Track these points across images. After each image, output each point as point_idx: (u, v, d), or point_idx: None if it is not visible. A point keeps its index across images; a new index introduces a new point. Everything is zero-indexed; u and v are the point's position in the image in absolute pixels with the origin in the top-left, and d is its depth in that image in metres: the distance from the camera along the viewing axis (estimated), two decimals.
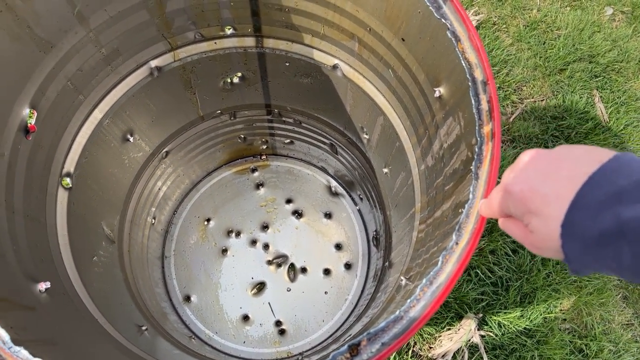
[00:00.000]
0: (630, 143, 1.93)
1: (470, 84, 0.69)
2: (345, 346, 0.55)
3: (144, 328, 1.12)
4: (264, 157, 1.86)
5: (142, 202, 1.46)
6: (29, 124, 0.85)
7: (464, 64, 0.69)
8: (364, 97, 1.17)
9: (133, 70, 1.08)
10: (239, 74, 1.30)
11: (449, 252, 0.60)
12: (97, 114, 1.06)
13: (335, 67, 1.17)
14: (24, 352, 0.54)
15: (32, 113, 0.85)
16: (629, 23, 2.10)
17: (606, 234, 0.39)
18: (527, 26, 2.08)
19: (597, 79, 2.01)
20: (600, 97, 1.99)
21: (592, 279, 1.71)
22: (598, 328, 1.65)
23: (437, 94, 0.84)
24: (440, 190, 0.87)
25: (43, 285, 0.76)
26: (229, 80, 1.32)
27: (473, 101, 0.67)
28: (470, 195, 0.62)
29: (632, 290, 1.74)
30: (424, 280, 0.59)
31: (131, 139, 1.23)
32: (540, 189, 0.43)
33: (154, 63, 1.11)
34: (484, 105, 0.67)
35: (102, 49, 0.95)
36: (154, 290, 1.52)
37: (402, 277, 0.89)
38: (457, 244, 0.60)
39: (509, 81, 2.00)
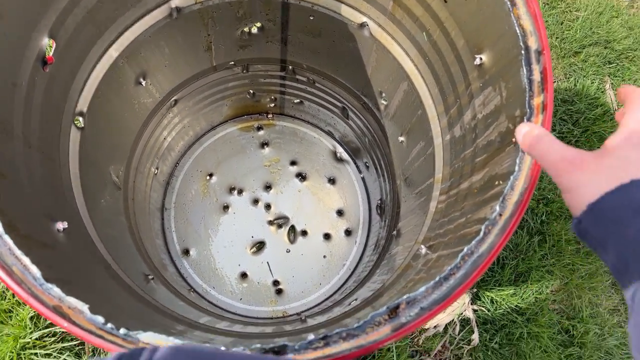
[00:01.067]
0: None
1: (523, 52, 0.66)
2: (385, 307, 0.54)
3: (150, 277, 1.11)
4: (270, 115, 1.82)
5: (147, 150, 1.42)
6: (47, 55, 0.80)
7: (518, 31, 0.67)
8: (390, 60, 1.14)
9: (153, 8, 1.02)
10: (259, 24, 1.25)
11: (491, 222, 0.59)
12: (113, 53, 1.01)
13: (362, 25, 1.12)
14: (56, 290, 0.52)
15: (52, 43, 0.80)
16: None
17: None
18: (547, 4, 2.03)
19: (611, 66, 2.00)
20: (612, 84, 1.98)
21: (584, 264, 1.75)
22: (586, 311, 1.70)
23: (477, 62, 0.81)
24: (469, 162, 0.86)
25: (61, 225, 0.74)
26: (247, 30, 1.26)
27: (525, 71, 0.65)
28: (516, 167, 0.61)
29: None
30: (464, 249, 0.58)
31: (143, 83, 1.18)
32: None
33: (174, 3, 1.05)
34: (536, 76, 0.65)
35: None
36: (154, 241, 1.50)
37: (421, 246, 0.89)
38: (500, 215, 0.59)
39: None
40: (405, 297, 0.55)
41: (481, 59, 0.81)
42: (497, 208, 0.60)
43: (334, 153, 1.80)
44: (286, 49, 1.36)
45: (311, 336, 0.54)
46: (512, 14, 0.68)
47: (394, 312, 0.54)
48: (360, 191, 1.78)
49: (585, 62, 2.00)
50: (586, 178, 0.45)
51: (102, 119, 1.06)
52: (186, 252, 1.63)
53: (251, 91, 1.62)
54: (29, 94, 0.76)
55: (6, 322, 1.51)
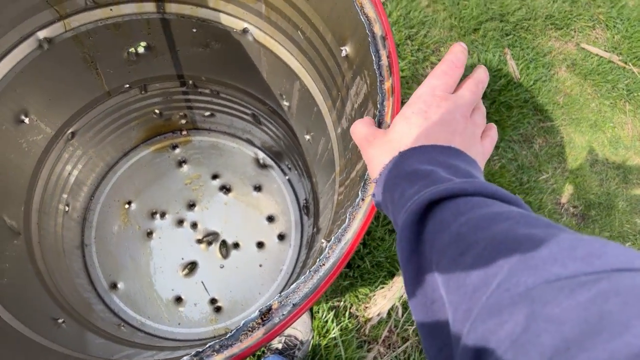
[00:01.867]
0: (539, 97, 2.05)
1: (370, 39, 0.68)
2: (257, 312, 0.54)
3: (60, 321, 1.05)
4: (184, 132, 1.78)
5: (50, 188, 1.35)
6: None
7: (363, 19, 0.68)
8: (278, 62, 1.14)
9: (17, 43, 0.97)
10: (144, 44, 1.22)
11: (355, 208, 0.60)
12: None
13: (245, 31, 1.12)
14: None
15: None
16: None
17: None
18: None
19: (508, 37, 2.10)
20: (512, 54, 2.09)
21: None
22: None
23: (343, 53, 0.83)
24: (355, 150, 0.87)
25: None
26: (133, 51, 1.23)
27: (374, 57, 0.67)
28: None
29: None
30: (332, 239, 0.59)
31: (26, 120, 1.12)
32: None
33: (42, 34, 1.00)
34: (384, 61, 0.66)
35: None
36: (74, 281, 1.43)
37: (323, 240, 0.89)
38: (363, 200, 0.60)
39: (427, 42, 2.04)
40: (277, 297, 0.55)
41: (346, 50, 0.82)
42: (360, 193, 0.61)
43: (257, 160, 1.79)
44: (180, 64, 1.33)
45: (185, 357, 0.53)
46: (355, 4, 0.69)
47: (266, 314, 0.54)
48: (289, 194, 1.78)
49: (485, 37, 2.10)
50: (375, 152, 0.49)
51: None
52: (114, 286, 1.57)
53: (157, 110, 1.58)
54: None
55: None
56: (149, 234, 1.64)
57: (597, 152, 2.07)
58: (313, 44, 0.95)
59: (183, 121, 1.70)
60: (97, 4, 1.02)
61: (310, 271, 0.56)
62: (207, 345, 0.52)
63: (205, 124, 1.75)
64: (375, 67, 0.66)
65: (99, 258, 1.60)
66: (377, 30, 0.67)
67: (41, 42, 1.02)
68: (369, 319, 1.70)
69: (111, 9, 1.05)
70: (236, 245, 1.67)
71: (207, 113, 1.66)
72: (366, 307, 1.73)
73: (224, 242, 1.67)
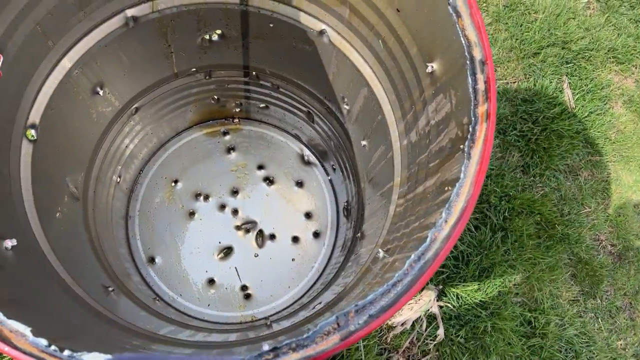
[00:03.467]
0: (592, 130, 2.01)
1: (467, 62, 0.68)
2: (334, 317, 0.56)
3: (110, 289, 1.09)
4: (236, 120, 1.81)
5: (108, 159, 1.39)
6: None
7: (463, 42, 0.69)
8: (349, 67, 1.15)
9: (107, 18, 1.00)
10: (219, 32, 1.24)
11: (438, 229, 0.61)
12: (66, 63, 0.99)
13: (322, 32, 1.13)
14: None
15: None
16: (603, 12, 2.16)
17: None
18: (507, 6, 2.09)
19: (568, 65, 2.07)
20: (569, 83, 2.05)
21: (545, 257, 1.81)
22: (547, 303, 1.76)
23: (429, 70, 0.83)
24: (424, 166, 0.88)
25: (9, 243, 0.72)
26: (207, 38, 1.26)
27: (470, 80, 0.67)
28: (462, 175, 0.63)
29: (580, 269, 1.86)
30: (412, 256, 0.60)
31: (101, 92, 1.16)
32: None
33: (130, 12, 1.04)
34: (481, 85, 0.67)
35: None
36: (117, 250, 1.48)
37: (379, 250, 0.90)
38: (446, 222, 0.61)
39: None
40: (353, 305, 0.56)
41: (432, 67, 0.83)
42: (443, 214, 0.62)
43: (302, 156, 1.81)
44: (248, 55, 1.35)
45: (265, 346, 0.54)
46: (457, 25, 0.70)
47: (343, 320, 0.56)
48: (328, 193, 1.79)
49: (544, 62, 2.07)
50: None
51: (57, 130, 1.04)
52: (152, 260, 1.61)
53: (215, 96, 1.61)
54: None
55: None
56: (191, 214, 1.67)
57: None
58: (393, 55, 0.96)
59: (237, 109, 1.73)
60: None
61: (388, 285, 0.58)
62: (284, 343, 0.54)
63: (257, 115, 1.77)
64: (470, 90, 0.67)
65: (140, 231, 1.65)
66: (477, 54, 0.68)
67: (128, 20, 1.05)
68: (393, 328, 1.70)
69: None
70: (272, 237, 1.70)
71: (262, 105, 1.68)
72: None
73: (261, 232, 1.69)
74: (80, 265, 1.04)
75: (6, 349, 0.49)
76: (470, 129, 0.65)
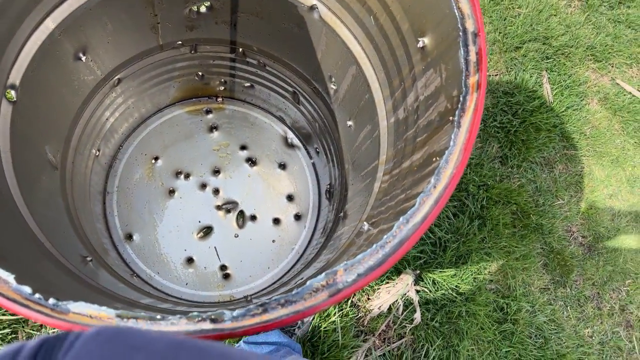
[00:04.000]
0: (568, 124, 2.07)
1: (460, 34, 0.69)
2: (323, 274, 0.56)
3: (88, 259, 1.07)
4: (219, 99, 1.79)
5: (87, 130, 1.36)
6: None
7: (457, 14, 0.70)
8: (339, 44, 1.15)
9: None
10: (207, 4, 1.22)
11: (426, 194, 0.62)
12: (49, 24, 0.96)
13: (312, 8, 1.13)
14: None
15: None
16: (583, 11, 2.22)
17: None
18: (491, 0, 2.12)
19: (548, 61, 2.12)
20: (549, 78, 2.11)
21: (519, 246, 1.86)
22: (519, 290, 1.82)
23: (420, 44, 0.84)
24: (411, 142, 0.89)
25: None
26: (195, 9, 1.24)
27: (462, 52, 0.68)
28: (451, 142, 0.64)
29: (552, 259, 1.92)
30: (400, 219, 0.61)
31: (83, 59, 1.13)
32: None
33: None
34: (472, 57, 0.68)
35: None
36: (94, 225, 1.44)
37: (364, 223, 0.91)
38: (434, 187, 0.62)
39: None
40: (342, 264, 0.57)
41: (424, 42, 0.84)
42: (432, 180, 0.63)
43: (285, 139, 1.80)
44: (236, 31, 1.34)
45: (252, 306, 0.54)
46: None
47: (331, 278, 0.56)
48: (311, 177, 1.79)
49: (525, 56, 2.11)
50: None
51: (38, 94, 1.01)
52: (129, 237, 1.59)
53: (200, 73, 1.59)
54: None
55: None
56: (171, 192, 1.65)
57: (614, 188, 2.10)
58: (384, 31, 0.97)
59: (221, 88, 1.71)
60: None
61: (377, 245, 0.58)
62: (273, 298, 0.54)
63: (241, 95, 1.76)
64: (462, 61, 0.68)
65: (118, 207, 1.62)
66: (469, 26, 0.69)
67: None
68: (370, 311, 1.73)
69: None
70: (253, 218, 1.69)
71: (247, 84, 1.67)
72: (369, 299, 1.76)
73: (241, 213, 1.68)
74: (58, 233, 1.01)
75: None
76: (461, 99, 0.66)
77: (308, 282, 0.55)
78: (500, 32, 2.09)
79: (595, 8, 2.22)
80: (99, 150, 1.49)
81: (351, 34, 1.10)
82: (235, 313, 0.53)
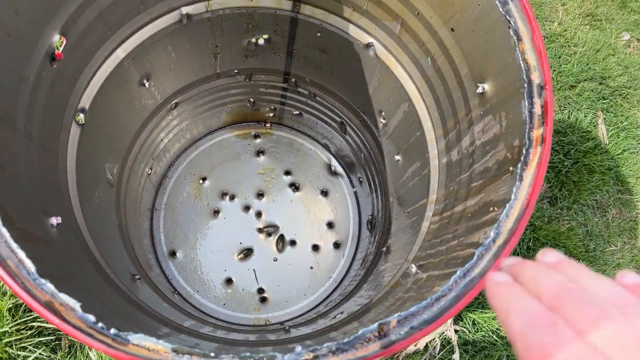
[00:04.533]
0: (624, 167, 1.98)
1: (525, 85, 0.68)
2: (376, 324, 0.55)
3: (137, 277, 1.11)
4: (268, 125, 1.83)
5: (143, 150, 1.42)
6: (56, 51, 0.80)
7: (522, 65, 0.69)
8: (392, 81, 1.16)
9: (164, 13, 1.03)
10: (266, 36, 1.27)
11: (485, 248, 0.60)
12: (120, 53, 1.01)
13: (368, 45, 1.14)
14: (49, 286, 0.52)
15: (61, 40, 0.81)
16: None
17: None
18: (547, 37, 2.09)
19: (604, 101, 2.05)
20: (604, 119, 2.03)
21: None
22: None
23: (479, 90, 0.84)
24: (465, 186, 0.88)
25: (55, 220, 0.74)
26: (253, 41, 1.28)
27: (527, 103, 0.67)
28: (513, 196, 0.63)
29: None
30: (458, 272, 0.59)
31: (146, 84, 1.19)
32: None
33: (185, 10, 1.06)
34: (537, 109, 0.67)
35: None
36: (142, 240, 1.49)
37: (412, 265, 0.90)
38: (494, 241, 0.61)
39: None
40: (396, 315, 0.56)
41: (484, 88, 0.83)
42: (492, 234, 0.61)
43: (329, 166, 1.82)
44: (291, 62, 1.37)
45: (299, 348, 0.54)
46: (517, 48, 0.70)
47: (384, 329, 0.55)
48: (352, 205, 1.79)
49: (580, 96, 2.05)
50: None
51: (103, 117, 1.06)
52: (173, 254, 1.63)
53: (252, 99, 1.63)
54: (34, 88, 0.76)
55: None
56: (216, 212, 1.69)
57: None
58: (441, 73, 0.97)
59: (271, 114, 1.75)
60: None
61: (432, 298, 0.57)
62: (325, 345, 0.54)
63: (289, 122, 1.79)
64: (526, 113, 0.67)
65: (164, 224, 1.66)
66: (535, 78, 0.68)
67: (182, 17, 1.08)
68: (406, 347, 1.68)
69: (251, 0, 1.10)
70: (293, 243, 1.70)
71: (296, 112, 1.70)
72: None
73: (282, 237, 1.70)
74: (112, 251, 1.05)
75: (56, 321, 0.50)
76: (524, 152, 0.65)
77: (360, 331, 0.55)
78: (554, 70, 2.05)
79: None
80: (151, 169, 1.55)
81: (406, 73, 1.10)
82: (286, 357, 0.53)
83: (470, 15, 0.81)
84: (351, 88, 1.36)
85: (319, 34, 1.20)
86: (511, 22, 0.71)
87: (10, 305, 1.47)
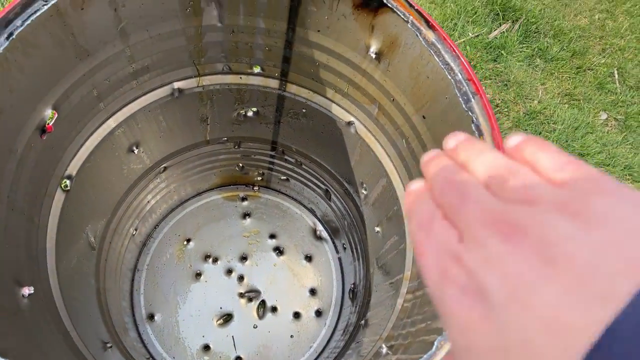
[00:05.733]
0: None
1: None
2: None
3: (108, 345, 1.09)
4: (256, 188, 1.87)
5: (129, 212, 1.44)
6: (47, 124, 0.85)
7: None
8: (372, 157, 1.21)
9: (156, 87, 1.09)
10: (255, 109, 1.33)
11: (444, 338, 0.62)
12: (111, 123, 1.06)
13: (350, 123, 1.20)
14: None
15: (53, 114, 0.85)
16: (620, 130, 2.24)
17: None
18: (527, 114, 2.18)
19: None
20: None
21: None
22: None
23: None
24: None
25: (27, 290, 0.74)
26: (242, 113, 1.34)
27: None
28: None
29: None
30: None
31: (136, 151, 1.23)
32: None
33: (177, 85, 1.13)
34: None
35: (133, 64, 0.97)
36: (120, 303, 1.48)
37: (382, 345, 0.90)
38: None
39: None
40: None
41: None
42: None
43: (314, 230, 1.83)
44: (278, 132, 1.43)
45: None
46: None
47: None
48: (336, 272, 1.79)
49: None
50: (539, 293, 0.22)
51: (89, 183, 1.09)
52: (151, 317, 1.60)
53: (240, 164, 1.68)
54: (22, 159, 0.80)
55: None
56: (198, 275, 1.68)
57: None
58: (415, 155, 1.01)
59: (259, 178, 1.79)
60: (231, 70, 1.14)
61: None
62: None
63: (277, 186, 1.83)
64: None
65: (145, 285, 1.65)
66: None
67: (174, 91, 1.14)
68: None
69: (240, 77, 1.17)
70: (274, 309, 1.68)
71: (284, 177, 1.74)
72: None
73: (263, 303, 1.68)
74: (84, 317, 1.05)
75: None
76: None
77: None
78: None
79: (633, 129, 2.24)
80: (136, 230, 1.57)
81: (384, 151, 1.15)
82: None
83: (439, 106, 0.87)
84: (335, 159, 1.41)
85: (304, 110, 1.26)
86: (473, 117, 0.76)
87: None
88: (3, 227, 0.74)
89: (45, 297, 0.83)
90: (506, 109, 2.18)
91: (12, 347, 0.59)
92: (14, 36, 0.67)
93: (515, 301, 0.22)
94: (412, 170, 1.05)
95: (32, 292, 0.76)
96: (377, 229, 1.35)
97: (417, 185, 0.34)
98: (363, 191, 1.39)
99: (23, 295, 0.74)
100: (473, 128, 0.76)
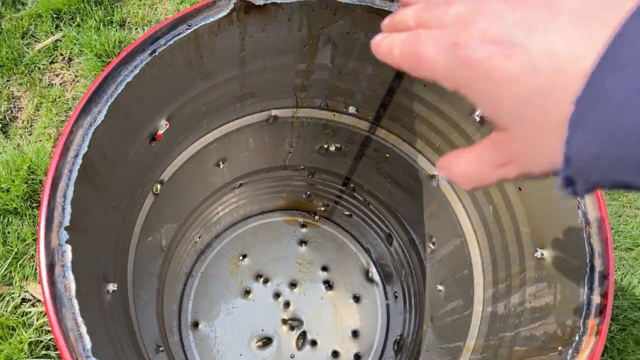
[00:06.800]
0: None
1: (587, 269, 0.69)
2: None
3: (161, 348, 1.11)
4: (317, 217, 1.88)
5: (199, 220, 1.49)
6: (158, 133, 0.90)
7: (586, 248, 0.70)
8: (449, 214, 1.19)
9: (256, 112, 1.14)
10: (338, 145, 1.35)
11: None
12: (209, 137, 1.11)
13: (433, 176, 1.19)
14: None
15: (166, 124, 0.91)
16: None
17: None
18: (609, 194, 2.08)
19: None
20: None
21: None
22: None
23: (538, 255, 0.84)
24: (507, 345, 0.86)
25: (111, 287, 0.78)
26: (326, 147, 1.37)
27: (586, 289, 0.67)
28: None
29: None
30: None
31: (221, 166, 1.28)
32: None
33: (274, 112, 1.17)
34: (596, 298, 0.67)
35: (242, 89, 1.01)
36: (172, 306, 1.51)
37: None
38: None
39: None
40: None
41: (542, 254, 0.84)
42: None
43: (367, 271, 1.81)
44: (354, 170, 1.44)
45: None
46: (584, 231, 0.72)
47: None
48: (382, 318, 1.75)
49: (637, 260, 1.98)
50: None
51: (176, 189, 1.14)
52: (195, 324, 1.63)
53: (308, 192, 1.70)
54: (129, 161, 0.85)
55: (5, 339, 1.52)
56: (247, 292, 1.70)
57: None
58: (501, 223, 0.99)
59: (322, 208, 1.80)
60: (327, 107, 1.17)
61: None
62: None
63: (338, 219, 1.83)
64: (584, 298, 0.67)
65: (195, 292, 1.69)
66: (599, 265, 0.68)
67: (270, 117, 1.18)
68: None
69: (334, 115, 1.20)
70: (314, 343, 1.66)
71: (347, 213, 1.74)
72: None
73: (303, 334, 1.67)
74: (146, 317, 1.08)
75: None
76: (576, 338, 0.64)
77: None
78: (613, 229, 2.01)
79: None
80: (199, 237, 1.61)
81: (465, 211, 1.13)
82: None
83: (540, 182, 0.84)
84: (407, 207, 1.40)
85: (387, 155, 1.27)
86: (582, 203, 0.73)
87: (31, 340, 1.50)
88: (106, 224, 0.79)
89: (122, 295, 0.87)
90: None
91: (99, 344, 0.61)
92: (156, 54, 0.72)
93: (534, 31, 0.26)
94: (494, 239, 1.02)
95: (116, 288, 0.79)
96: (440, 287, 1.31)
97: (378, 37, 0.39)
98: (430, 245, 1.36)
99: (107, 292, 0.78)
100: (579, 214, 0.73)
